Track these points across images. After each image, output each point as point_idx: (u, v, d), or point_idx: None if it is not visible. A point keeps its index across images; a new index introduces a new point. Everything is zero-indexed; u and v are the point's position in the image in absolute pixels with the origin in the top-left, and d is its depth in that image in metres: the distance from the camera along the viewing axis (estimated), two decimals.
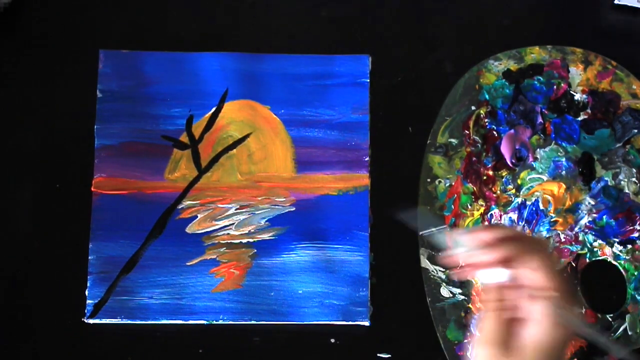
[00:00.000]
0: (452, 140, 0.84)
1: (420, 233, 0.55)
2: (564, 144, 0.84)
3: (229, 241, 0.81)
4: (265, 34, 0.86)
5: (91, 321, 0.79)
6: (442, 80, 0.86)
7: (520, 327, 0.57)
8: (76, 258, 0.80)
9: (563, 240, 0.81)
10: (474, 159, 0.83)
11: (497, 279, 0.56)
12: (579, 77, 0.85)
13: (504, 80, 0.85)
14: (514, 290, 0.57)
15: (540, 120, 0.84)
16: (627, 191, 0.83)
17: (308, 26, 0.87)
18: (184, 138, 0.83)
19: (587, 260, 0.81)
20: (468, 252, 0.57)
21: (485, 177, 0.83)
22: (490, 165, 0.83)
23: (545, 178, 0.83)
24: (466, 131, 0.84)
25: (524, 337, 0.57)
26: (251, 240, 0.81)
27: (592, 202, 0.82)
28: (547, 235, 0.81)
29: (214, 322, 0.80)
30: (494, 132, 0.84)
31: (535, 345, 0.57)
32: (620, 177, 0.83)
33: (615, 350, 0.56)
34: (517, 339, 0.57)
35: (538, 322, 0.57)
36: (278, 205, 0.82)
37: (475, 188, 0.83)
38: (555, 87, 0.85)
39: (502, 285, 0.57)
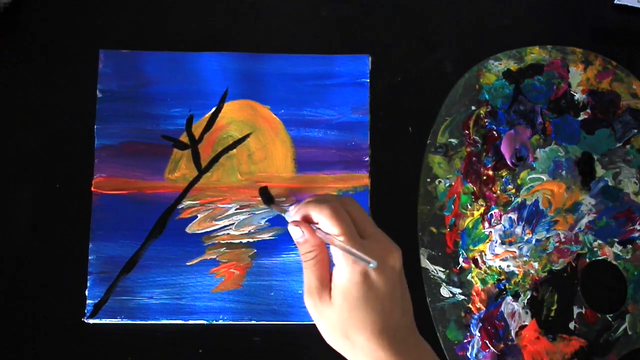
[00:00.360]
0: (452, 140, 0.84)
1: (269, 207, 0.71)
2: (564, 144, 0.84)
3: (229, 241, 0.81)
4: (265, 34, 0.86)
5: (91, 321, 0.79)
6: (442, 80, 0.86)
7: (332, 274, 0.64)
8: (76, 258, 0.80)
9: (563, 240, 0.81)
10: (474, 159, 0.83)
11: (297, 235, 0.65)
12: (579, 77, 0.85)
13: (504, 80, 0.85)
14: (323, 244, 0.65)
15: (540, 120, 0.84)
16: (627, 191, 0.83)
17: (308, 26, 0.87)
18: (184, 138, 0.83)
19: (587, 260, 0.81)
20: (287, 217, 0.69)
21: (485, 177, 0.83)
22: (490, 165, 0.83)
23: (545, 178, 0.83)
24: (466, 131, 0.84)
25: (334, 282, 0.63)
26: (251, 240, 0.81)
27: (592, 202, 0.82)
28: (547, 236, 0.81)
29: (214, 322, 0.80)
30: (494, 132, 0.84)
31: (341, 286, 0.62)
32: (620, 177, 0.83)
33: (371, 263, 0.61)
34: (331, 285, 0.63)
35: (339, 265, 0.62)
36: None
37: (475, 188, 0.83)
38: (555, 87, 0.85)
39: (308, 239, 0.65)
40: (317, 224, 0.65)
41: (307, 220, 0.66)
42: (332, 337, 0.64)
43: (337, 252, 0.62)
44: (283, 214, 0.70)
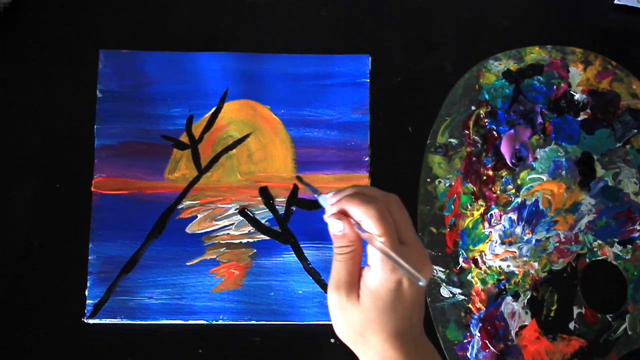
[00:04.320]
0: (452, 140, 0.84)
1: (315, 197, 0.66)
2: (563, 144, 0.84)
3: (229, 241, 0.81)
4: (265, 34, 0.86)
5: (91, 321, 0.79)
6: (442, 80, 0.86)
7: (364, 273, 0.62)
8: (76, 258, 0.80)
9: (563, 240, 0.81)
10: (474, 159, 0.83)
11: (336, 229, 0.62)
12: (579, 77, 0.85)
13: (504, 80, 0.85)
14: (359, 239, 0.63)
15: (540, 120, 0.84)
16: (627, 191, 0.83)
17: (308, 26, 0.87)
18: (184, 138, 0.83)
19: (587, 260, 0.81)
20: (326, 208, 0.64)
21: (485, 177, 0.83)
22: (490, 165, 0.83)
23: (545, 178, 0.83)
24: (466, 131, 0.84)
25: (365, 282, 0.61)
26: (251, 240, 0.81)
27: (592, 202, 0.82)
28: (547, 236, 0.81)
29: (214, 322, 0.80)
30: (494, 132, 0.84)
31: (373, 289, 0.61)
32: (620, 177, 0.83)
33: (420, 282, 0.60)
34: (361, 285, 0.61)
35: (374, 268, 0.60)
36: (278, 206, 0.82)
37: (475, 188, 0.83)
38: (555, 87, 0.85)
39: (346, 234, 0.62)
40: (358, 220, 0.62)
41: (346, 214, 0.63)
42: (347, 333, 0.63)
43: (375, 254, 0.60)
44: (316, 196, 0.66)
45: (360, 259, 0.63)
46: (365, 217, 0.61)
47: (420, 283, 0.60)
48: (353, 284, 0.62)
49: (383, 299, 0.61)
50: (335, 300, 0.62)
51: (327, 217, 0.63)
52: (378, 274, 0.60)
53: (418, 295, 0.62)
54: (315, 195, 0.66)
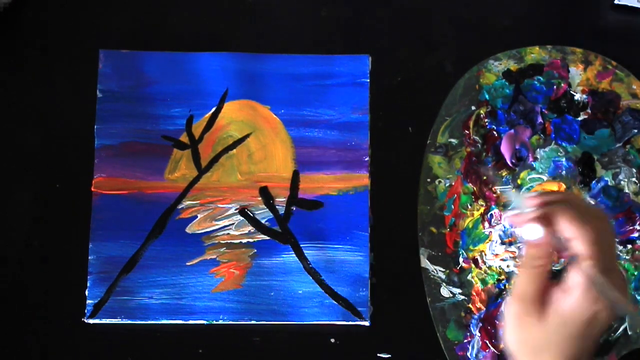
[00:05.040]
0: (452, 140, 0.84)
1: (498, 189, 0.59)
2: (564, 144, 0.84)
3: (229, 241, 0.81)
4: (265, 34, 0.86)
5: (91, 321, 0.79)
6: (442, 80, 0.86)
7: (558, 292, 0.57)
8: (76, 258, 0.80)
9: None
10: (474, 159, 0.83)
11: (534, 236, 0.56)
12: (579, 77, 0.85)
13: (504, 80, 0.85)
14: (558, 253, 0.57)
15: (540, 120, 0.84)
16: (627, 191, 0.83)
17: (308, 26, 0.87)
18: (184, 138, 0.83)
19: None
20: (522, 208, 0.58)
21: (485, 177, 0.83)
22: (490, 165, 0.83)
23: (545, 178, 0.83)
24: (466, 131, 0.84)
25: (558, 303, 0.56)
26: (251, 240, 0.81)
27: (592, 202, 0.82)
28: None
29: (214, 322, 0.80)
30: (494, 132, 0.84)
31: (566, 313, 0.56)
32: (620, 177, 0.83)
33: None
34: (552, 304, 0.57)
35: (575, 292, 0.56)
36: (278, 206, 0.82)
37: (475, 188, 0.83)
38: (555, 87, 0.85)
39: (544, 244, 0.57)
40: (567, 237, 0.57)
41: (548, 221, 0.57)
42: (519, 346, 0.58)
43: (578, 279, 0.55)
44: (507, 190, 0.60)
45: (549, 274, 0.58)
46: (578, 238, 0.55)
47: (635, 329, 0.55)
48: (539, 299, 0.57)
49: (575, 326, 0.56)
50: (517, 312, 0.58)
51: (514, 216, 0.58)
52: (578, 300, 0.56)
53: (600, 332, 0.57)
54: (507, 190, 0.60)
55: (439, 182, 0.83)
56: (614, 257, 0.58)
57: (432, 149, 0.84)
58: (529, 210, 0.57)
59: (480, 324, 0.80)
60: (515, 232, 0.58)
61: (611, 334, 0.80)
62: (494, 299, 0.81)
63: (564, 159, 0.83)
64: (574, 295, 0.56)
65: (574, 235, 0.56)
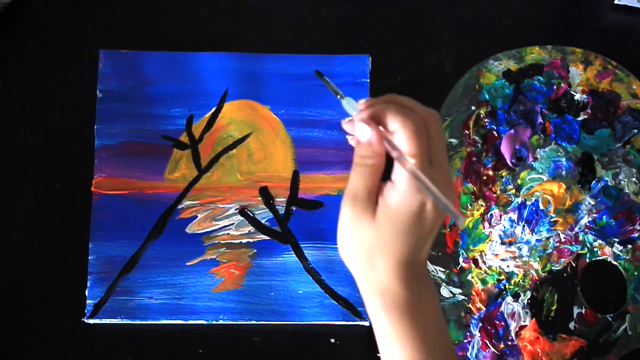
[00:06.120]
0: (452, 140, 0.84)
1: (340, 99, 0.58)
2: (564, 144, 0.84)
3: (229, 241, 0.81)
4: (265, 34, 0.86)
5: (91, 321, 0.79)
6: (442, 80, 0.86)
7: (386, 189, 0.56)
8: (76, 258, 0.80)
9: (563, 240, 0.81)
10: (474, 159, 0.83)
11: (364, 137, 0.57)
12: (579, 77, 0.85)
13: (504, 80, 0.85)
14: (385, 151, 0.57)
15: (540, 120, 0.84)
16: (627, 191, 0.83)
17: (308, 26, 0.87)
18: (184, 138, 0.83)
19: (587, 260, 0.81)
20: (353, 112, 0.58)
21: (485, 177, 0.83)
22: (490, 165, 0.83)
23: (545, 178, 0.83)
24: (466, 131, 0.84)
25: (385, 200, 0.56)
26: (251, 240, 0.81)
27: (592, 202, 0.82)
28: (547, 236, 0.81)
29: (214, 322, 0.80)
30: (494, 132, 0.84)
31: (393, 209, 0.55)
32: (620, 177, 0.83)
33: (459, 219, 0.54)
34: (381, 201, 0.56)
35: (399, 186, 0.55)
36: (278, 205, 0.82)
37: (475, 188, 0.83)
38: (555, 87, 0.85)
39: (374, 143, 0.56)
40: (392, 130, 0.56)
41: (377, 122, 0.57)
42: (354, 253, 0.58)
43: (402, 173, 0.55)
44: (338, 97, 0.59)
45: (381, 173, 0.57)
46: (401, 129, 0.55)
47: (459, 222, 0.54)
48: (370, 200, 0.56)
49: (402, 220, 0.55)
50: (349, 213, 0.57)
51: (346, 122, 0.58)
52: (402, 192, 0.55)
53: (437, 224, 0.57)
54: (337, 97, 0.59)
55: None
56: (441, 151, 0.57)
57: None
58: (358, 112, 0.57)
59: (480, 324, 0.80)
60: (348, 139, 0.58)
61: (611, 334, 0.80)
62: (494, 299, 0.81)
63: (564, 159, 0.83)
64: (399, 190, 0.55)
65: (397, 129, 0.55)
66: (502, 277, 0.81)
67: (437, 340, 0.58)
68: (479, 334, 0.80)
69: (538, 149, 0.83)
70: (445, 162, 0.57)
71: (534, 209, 0.82)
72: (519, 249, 0.81)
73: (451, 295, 0.81)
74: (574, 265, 0.81)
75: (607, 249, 0.81)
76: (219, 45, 0.85)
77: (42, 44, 0.85)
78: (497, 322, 0.80)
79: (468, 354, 0.79)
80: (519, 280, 0.81)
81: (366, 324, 0.80)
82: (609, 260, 0.81)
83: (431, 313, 0.58)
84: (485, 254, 0.81)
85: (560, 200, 0.82)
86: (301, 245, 0.81)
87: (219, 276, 0.80)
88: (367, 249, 0.57)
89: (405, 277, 0.57)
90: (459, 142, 0.84)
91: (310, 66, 0.85)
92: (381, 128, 0.57)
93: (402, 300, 0.57)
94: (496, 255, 0.81)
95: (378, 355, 0.80)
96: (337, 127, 0.84)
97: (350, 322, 0.80)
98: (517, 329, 0.80)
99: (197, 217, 0.82)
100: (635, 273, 0.81)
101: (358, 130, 0.57)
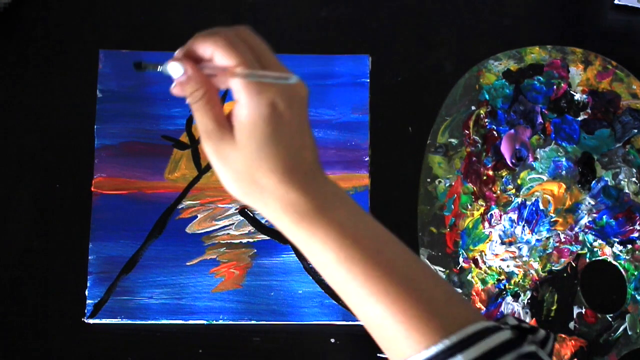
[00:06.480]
0: (452, 140, 0.84)
1: (159, 69, 0.57)
2: (564, 144, 0.84)
3: (229, 241, 0.81)
4: (266, 34, 0.86)
5: (91, 321, 0.79)
6: (442, 80, 0.86)
7: (233, 110, 0.55)
8: (76, 258, 0.80)
9: (563, 240, 0.81)
10: (474, 159, 0.83)
11: (178, 72, 0.56)
12: (579, 77, 0.85)
13: (504, 80, 0.85)
14: (209, 80, 0.56)
15: (540, 120, 0.84)
16: (627, 191, 0.83)
17: (308, 26, 0.87)
18: (184, 138, 0.83)
19: (587, 260, 0.81)
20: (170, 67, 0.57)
21: (485, 177, 0.83)
22: (490, 165, 0.83)
23: (545, 178, 0.83)
24: (466, 131, 0.84)
25: (237, 118, 0.55)
26: (251, 240, 0.81)
27: (592, 202, 0.82)
28: (547, 236, 0.81)
29: (214, 322, 0.80)
30: (494, 132, 0.84)
31: (246, 122, 0.54)
32: (620, 177, 0.83)
33: (292, 79, 0.54)
34: (233, 123, 0.55)
35: (240, 98, 0.54)
36: None
37: (475, 188, 0.83)
38: (555, 87, 0.85)
39: (192, 76, 0.56)
40: (208, 60, 0.56)
41: (194, 60, 0.56)
42: (238, 184, 0.56)
43: (237, 86, 0.54)
44: (160, 69, 0.58)
45: (218, 100, 0.57)
46: (213, 49, 0.54)
47: (291, 80, 0.53)
48: (223, 127, 0.55)
49: (260, 129, 0.54)
50: (211, 150, 0.55)
51: (167, 66, 0.57)
52: (246, 103, 0.54)
53: (302, 117, 0.56)
54: (159, 69, 0.58)
55: (439, 182, 0.83)
56: (265, 52, 0.57)
57: (432, 149, 0.84)
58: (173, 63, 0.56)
59: None
60: (174, 93, 0.57)
61: (611, 334, 0.80)
62: (494, 299, 0.81)
63: (564, 159, 0.83)
64: (243, 103, 0.54)
65: (210, 51, 0.55)
66: (502, 277, 0.81)
67: (360, 230, 0.57)
68: None
69: (538, 149, 0.83)
70: (277, 61, 0.57)
71: (534, 209, 0.82)
72: (519, 249, 0.81)
73: None
74: (574, 265, 0.81)
75: (607, 249, 0.81)
76: None
77: (42, 44, 0.85)
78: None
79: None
80: (519, 280, 0.81)
81: None
82: (609, 260, 0.81)
83: (343, 208, 0.57)
84: (485, 254, 0.81)
85: (560, 200, 0.82)
86: None
87: (219, 276, 0.80)
88: (245, 173, 0.55)
89: (297, 182, 0.55)
90: (459, 142, 0.84)
91: (310, 66, 0.85)
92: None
93: (305, 206, 0.55)
94: (496, 255, 0.81)
95: (378, 355, 0.80)
96: (337, 127, 0.84)
97: (350, 322, 0.80)
98: None
99: (197, 217, 0.82)
100: (635, 273, 0.81)
101: (172, 72, 0.56)
